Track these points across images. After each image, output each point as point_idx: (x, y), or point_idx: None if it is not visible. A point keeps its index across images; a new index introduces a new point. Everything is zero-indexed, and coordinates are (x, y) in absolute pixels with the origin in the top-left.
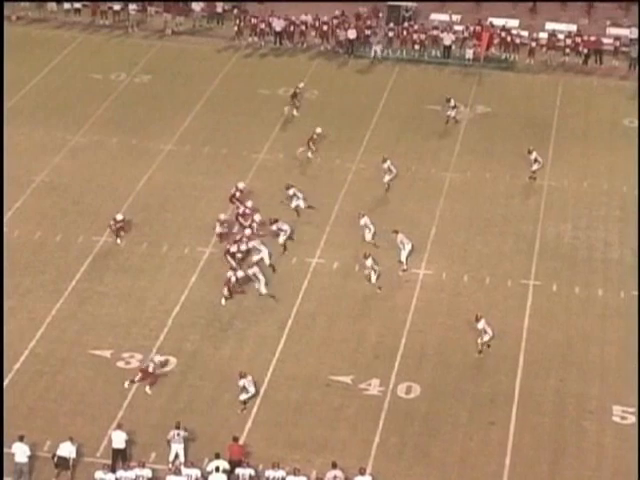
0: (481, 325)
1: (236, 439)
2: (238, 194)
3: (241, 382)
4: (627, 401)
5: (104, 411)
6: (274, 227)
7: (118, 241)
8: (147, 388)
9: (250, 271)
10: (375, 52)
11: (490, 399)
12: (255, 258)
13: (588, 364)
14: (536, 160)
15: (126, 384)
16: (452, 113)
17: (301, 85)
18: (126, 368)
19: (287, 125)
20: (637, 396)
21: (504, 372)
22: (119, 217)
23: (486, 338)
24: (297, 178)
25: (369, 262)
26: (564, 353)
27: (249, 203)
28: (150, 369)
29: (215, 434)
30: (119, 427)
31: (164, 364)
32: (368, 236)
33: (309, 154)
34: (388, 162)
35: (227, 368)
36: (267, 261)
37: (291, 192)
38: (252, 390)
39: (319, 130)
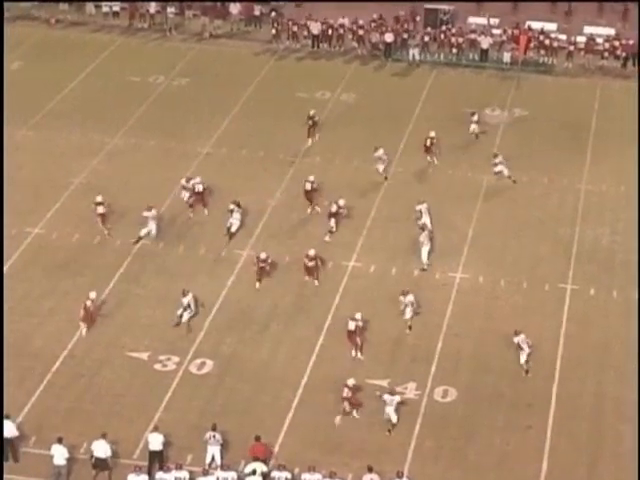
0: (517, 340)
1: (258, 438)
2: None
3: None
4: None
5: (141, 413)
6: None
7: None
8: (354, 412)
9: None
10: (413, 55)
11: (527, 403)
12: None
13: (626, 368)
14: (500, 163)
15: (337, 419)
16: (474, 127)
17: (312, 112)
18: (163, 370)
19: (324, 129)
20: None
21: (541, 376)
22: (92, 296)
23: (523, 357)
24: (334, 181)
25: (410, 298)
26: (602, 357)
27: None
28: (345, 394)
29: (252, 437)
30: (156, 429)
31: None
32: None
33: (435, 161)
34: (380, 151)
35: (264, 370)
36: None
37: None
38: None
39: (432, 134)
